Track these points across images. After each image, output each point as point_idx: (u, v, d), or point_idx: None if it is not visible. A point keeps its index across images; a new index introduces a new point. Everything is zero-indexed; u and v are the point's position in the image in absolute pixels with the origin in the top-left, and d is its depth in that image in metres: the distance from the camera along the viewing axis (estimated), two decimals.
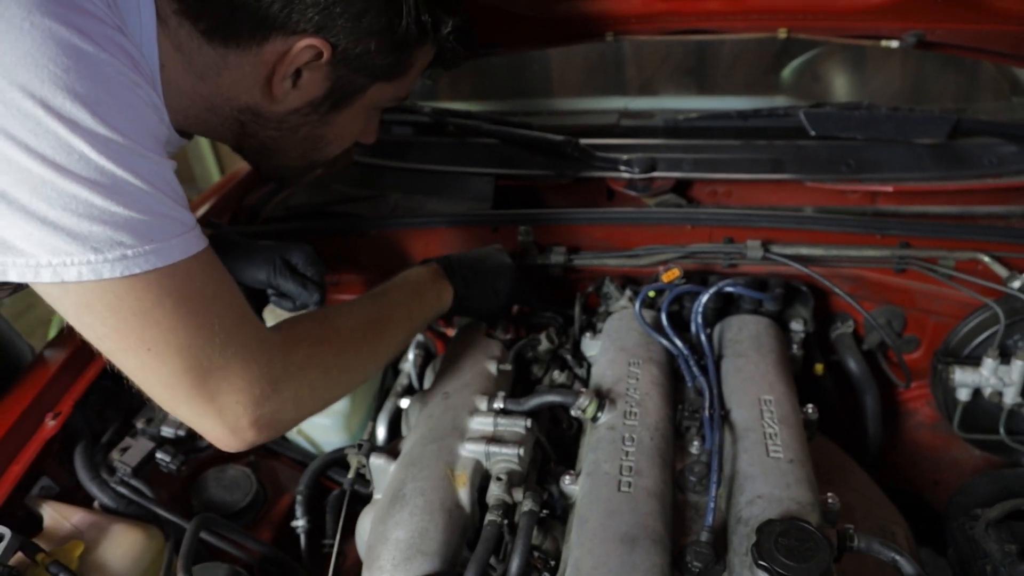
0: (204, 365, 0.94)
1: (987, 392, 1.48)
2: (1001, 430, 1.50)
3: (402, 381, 1.67)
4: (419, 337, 1.68)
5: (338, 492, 1.50)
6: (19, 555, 1.14)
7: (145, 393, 0.99)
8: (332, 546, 1.41)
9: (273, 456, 1.65)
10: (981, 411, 1.54)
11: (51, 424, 1.38)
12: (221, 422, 0.99)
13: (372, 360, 1.24)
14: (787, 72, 2.36)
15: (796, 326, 1.54)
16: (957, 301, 1.56)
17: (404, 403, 1.50)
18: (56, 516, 1.28)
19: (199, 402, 0.96)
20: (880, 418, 1.59)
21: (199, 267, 0.95)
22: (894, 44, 1.51)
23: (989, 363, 1.44)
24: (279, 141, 1.20)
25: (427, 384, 1.54)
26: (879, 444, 1.60)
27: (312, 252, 1.53)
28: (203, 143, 5.93)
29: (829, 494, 1.12)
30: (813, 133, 1.68)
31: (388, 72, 1.17)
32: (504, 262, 1.51)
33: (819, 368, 1.56)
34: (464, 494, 1.17)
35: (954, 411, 1.54)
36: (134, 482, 1.36)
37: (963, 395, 1.50)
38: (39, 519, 1.29)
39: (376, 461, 1.27)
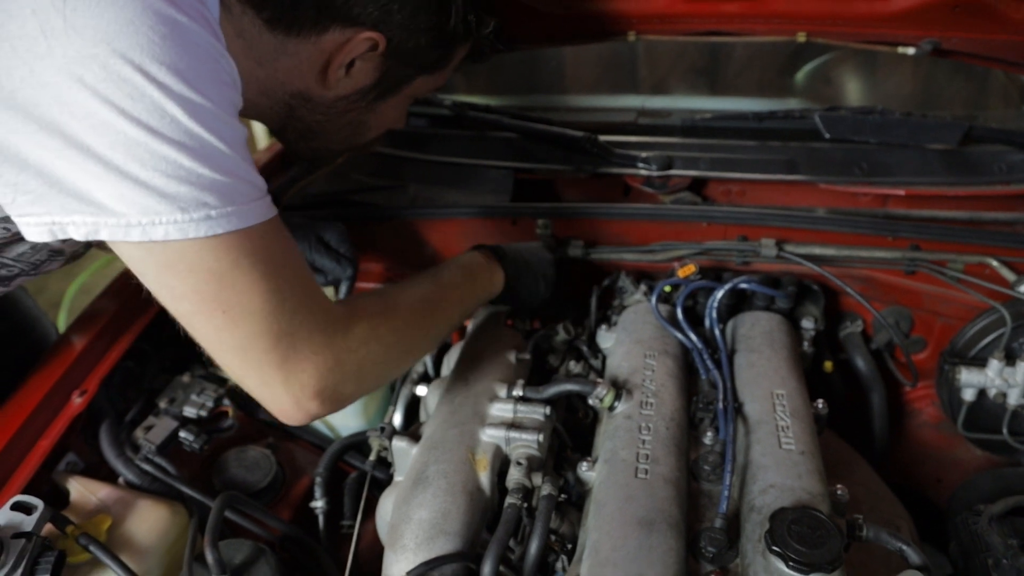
0: (275, 330, 0.95)
1: (992, 393, 1.51)
2: (1004, 430, 1.54)
3: (418, 369, 1.70)
4: None
5: (356, 474, 1.54)
6: (49, 527, 1.17)
7: (215, 359, 1.00)
8: (350, 527, 1.45)
9: (291, 439, 1.68)
10: (985, 412, 1.57)
11: (77, 401, 1.42)
12: (286, 391, 0.99)
13: (429, 337, 1.26)
14: (800, 75, 2.39)
15: (807, 324, 1.57)
16: (965, 304, 1.59)
17: (420, 391, 1.54)
18: (83, 491, 1.31)
19: (268, 368, 0.97)
20: (886, 416, 1.62)
21: (273, 232, 0.97)
22: (911, 51, 1.54)
23: (995, 364, 1.48)
24: (324, 125, 1.24)
25: (442, 373, 1.58)
26: (885, 441, 1.63)
27: (344, 230, 1.58)
28: None
29: (838, 486, 1.15)
30: (827, 136, 1.71)
31: (432, 66, 1.24)
32: (549, 257, 1.60)
33: (828, 365, 1.60)
34: (484, 477, 1.21)
35: (959, 411, 1.57)
36: (158, 459, 1.39)
37: (968, 395, 1.53)
38: (65, 494, 1.32)
39: (399, 444, 1.30)
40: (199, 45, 0.90)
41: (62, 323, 4.44)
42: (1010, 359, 1.49)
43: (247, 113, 1.21)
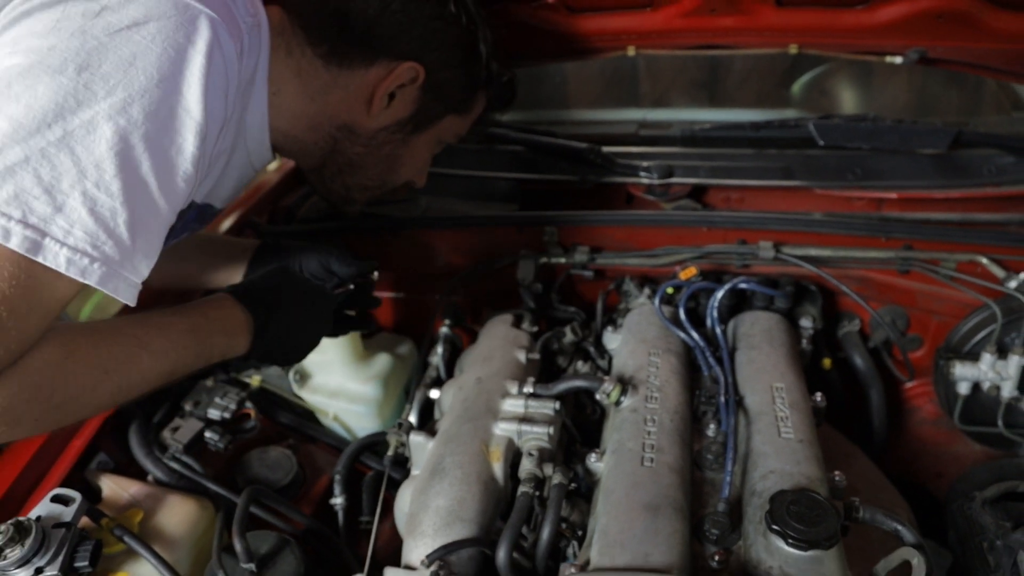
0: None
1: (986, 386, 1.57)
2: (999, 422, 1.59)
3: (431, 373, 1.76)
4: (445, 331, 1.78)
5: (374, 473, 1.60)
6: (85, 520, 1.23)
7: None
8: (368, 522, 1.51)
9: (311, 441, 1.74)
10: (980, 405, 1.63)
11: None
12: None
13: (91, 389, 1.02)
14: (797, 87, 2.47)
15: (805, 323, 1.63)
16: (958, 301, 1.65)
17: (434, 394, 1.60)
18: (114, 487, 1.38)
19: None
20: (885, 411, 1.68)
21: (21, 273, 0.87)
22: (898, 60, 1.61)
23: (987, 358, 1.53)
24: (365, 158, 1.35)
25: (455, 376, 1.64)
26: (884, 436, 1.68)
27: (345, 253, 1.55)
28: None
29: (836, 472, 1.21)
30: (822, 143, 1.77)
31: (460, 106, 1.39)
32: (324, 297, 1.41)
33: (827, 362, 1.66)
34: (498, 468, 1.27)
35: (955, 405, 1.63)
36: (185, 458, 1.45)
37: (963, 389, 1.59)
38: (98, 491, 1.38)
39: (416, 438, 1.36)
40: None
41: None
42: (1002, 353, 1.54)
43: (291, 148, 1.32)
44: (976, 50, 1.60)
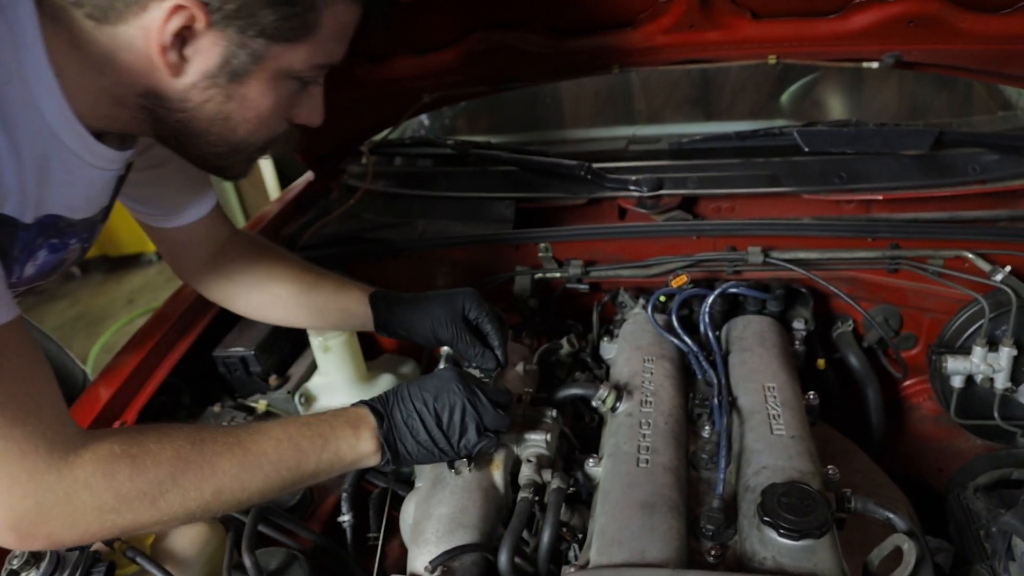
0: None
1: (979, 379, 1.58)
2: (995, 414, 1.60)
3: None
4: (447, 351, 1.81)
5: (380, 490, 1.63)
6: (98, 543, 1.27)
7: None
8: (375, 539, 1.53)
9: None
10: (976, 398, 1.64)
11: None
12: None
13: (207, 496, 1.02)
14: (786, 97, 2.52)
15: (798, 325, 1.66)
16: (949, 297, 1.67)
17: None
18: None
19: None
20: (882, 409, 1.69)
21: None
22: (874, 65, 1.66)
23: (978, 351, 1.55)
24: (189, 124, 1.10)
25: None
26: (883, 434, 1.70)
27: (479, 297, 1.51)
28: (227, 187, 6.18)
29: (830, 467, 1.23)
30: (807, 149, 1.81)
31: (287, 33, 1.03)
32: (462, 394, 1.23)
33: (821, 363, 1.68)
34: (498, 476, 1.30)
35: (951, 399, 1.64)
36: None
37: (957, 382, 1.60)
38: None
39: None
40: None
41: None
42: (993, 345, 1.56)
43: (117, 129, 1.13)
44: (950, 52, 1.65)
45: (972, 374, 1.59)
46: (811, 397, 1.43)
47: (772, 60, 1.69)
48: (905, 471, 1.74)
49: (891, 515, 1.14)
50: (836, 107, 2.58)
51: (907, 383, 1.84)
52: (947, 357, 1.58)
